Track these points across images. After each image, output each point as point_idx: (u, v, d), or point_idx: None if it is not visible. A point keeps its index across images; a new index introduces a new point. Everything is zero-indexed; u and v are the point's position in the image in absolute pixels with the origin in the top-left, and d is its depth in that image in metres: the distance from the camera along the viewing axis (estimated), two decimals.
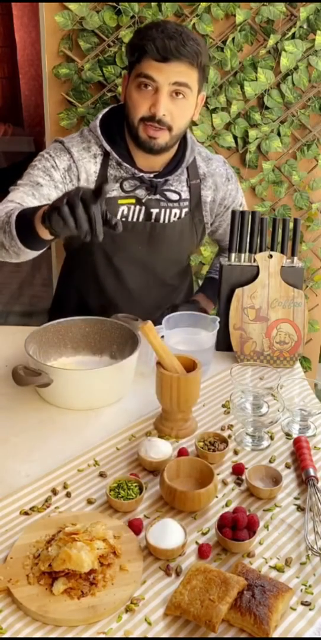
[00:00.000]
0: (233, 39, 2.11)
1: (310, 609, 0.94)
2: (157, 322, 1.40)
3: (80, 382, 1.38)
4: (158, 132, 1.51)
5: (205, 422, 1.38)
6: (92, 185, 1.58)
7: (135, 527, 1.06)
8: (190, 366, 1.30)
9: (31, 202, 1.50)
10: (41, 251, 1.41)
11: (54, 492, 1.15)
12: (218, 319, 1.54)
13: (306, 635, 0.91)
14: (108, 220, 1.12)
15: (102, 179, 1.59)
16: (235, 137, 2.25)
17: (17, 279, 4.23)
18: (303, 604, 0.95)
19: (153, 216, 1.65)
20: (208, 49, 1.63)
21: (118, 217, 1.62)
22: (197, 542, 1.06)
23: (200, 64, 1.50)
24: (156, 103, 1.47)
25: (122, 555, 1.00)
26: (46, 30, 2.06)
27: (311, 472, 1.18)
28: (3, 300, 3.95)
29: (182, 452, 1.24)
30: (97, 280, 1.73)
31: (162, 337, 1.40)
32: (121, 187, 1.60)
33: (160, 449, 1.21)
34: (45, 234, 1.25)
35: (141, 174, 1.60)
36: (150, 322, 1.26)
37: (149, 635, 0.90)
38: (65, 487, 1.17)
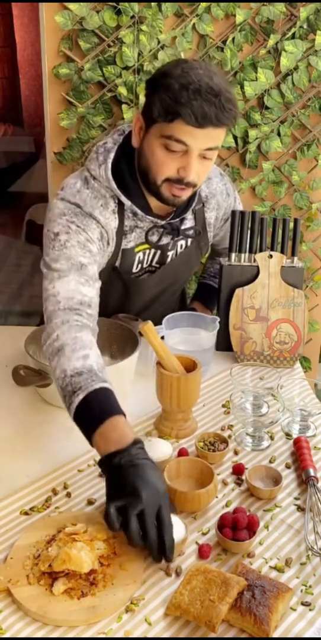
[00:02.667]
0: (233, 39, 2.11)
1: (310, 609, 0.94)
2: (156, 322, 1.40)
3: None
4: (183, 191, 1.40)
5: (205, 422, 1.38)
6: (113, 244, 1.47)
7: None
8: (190, 366, 1.30)
9: (89, 292, 1.35)
10: None
11: (54, 492, 1.16)
12: (218, 319, 1.54)
13: (306, 635, 0.91)
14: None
15: (120, 232, 1.47)
16: (235, 137, 2.25)
17: (17, 279, 4.23)
18: (303, 604, 0.95)
19: (169, 259, 1.58)
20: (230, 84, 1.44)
21: (135, 265, 1.53)
22: (197, 543, 1.06)
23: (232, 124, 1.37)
24: (187, 167, 1.33)
25: (122, 555, 1.00)
26: (46, 30, 2.06)
27: (311, 472, 1.18)
28: (3, 300, 3.95)
29: (182, 452, 1.24)
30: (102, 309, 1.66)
31: (162, 337, 1.40)
32: (146, 238, 1.50)
33: (160, 449, 1.21)
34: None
35: (162, 222, 1.49)
36: (150, 322, 1.26)
37: (149, 636, 0.90)
38: (65, 487, 1.17)
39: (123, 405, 1.44)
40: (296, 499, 1.16)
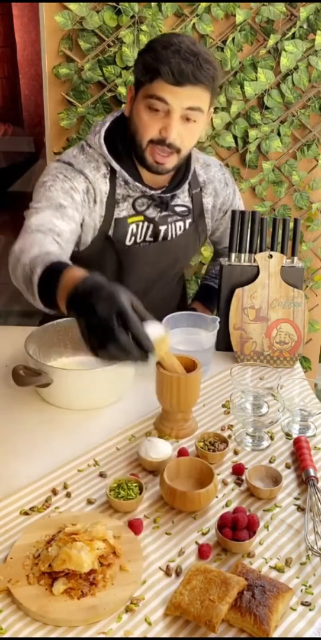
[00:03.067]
0: (233, 39, 2.11)
1: (310, 609, 0.94)
2: (156, 313, 1.40)
3: (80, 382, 1.38)
4: (166, 157, 1.46)
5: (205, 422, 1.38)
6: (104, 206, 1.52)
7: (135, 527, 1.06)
8: (190, 366, 1.30)
9: (61, 225, 1.41)
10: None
11: (54, 492, 1.15)
12: (218, 319, 1.54)
13: (306, 635, 0.91)
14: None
15: (113, 198, 1.52)
16: (235, 137, 2.25)
17: None
18: (303, 604, 0.95)
19: (162, 234, 1.61)
20: (221, 69, 1.50)
21: (128, 236, 1.57)
22: (197, 542, 1.06)
23: (214, 87, 1.44)
24: (168, 127, 1.40)
25: (122, 555, 1.00)
26: (46, 30, 2.06)
27: (311, 472, 1.18)
28: (3, 300, 3.95)
29: (182, 452, 1.24)
30: None
31: None
32: (133, 206, 1.55)
33: (160, 449, 1.21)
34: (65, 310, 1.09)
35: (151, 192, 1.54)
36: None
37: (149, 635, 0.90)
38: (65, 487, 1.17)
39: (123, 404, 1.45)
40: (296, 499, 1.16)
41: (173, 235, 1.64)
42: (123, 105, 2.07)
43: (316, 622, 0.92)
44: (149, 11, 2.03)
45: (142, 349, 0.97)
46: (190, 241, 1.70)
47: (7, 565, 0.98)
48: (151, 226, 1.59)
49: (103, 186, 1.51)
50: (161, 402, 1.31)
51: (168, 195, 1.58)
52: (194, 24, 2.07)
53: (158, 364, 1.28)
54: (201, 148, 2.17)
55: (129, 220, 1.56)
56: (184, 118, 1.41)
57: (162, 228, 1.61)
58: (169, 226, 1.63)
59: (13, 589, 0.95)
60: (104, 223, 1.54)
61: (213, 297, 1.81)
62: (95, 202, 1.51)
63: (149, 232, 1.60)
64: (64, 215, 1.42)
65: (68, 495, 1.15)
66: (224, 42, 2.12)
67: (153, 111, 1.40)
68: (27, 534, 1.05)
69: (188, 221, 1.66)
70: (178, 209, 1.61)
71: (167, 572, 0.99)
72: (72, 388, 1.38)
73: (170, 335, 1.24)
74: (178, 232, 1.65)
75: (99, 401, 1.41)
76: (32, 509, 1.11)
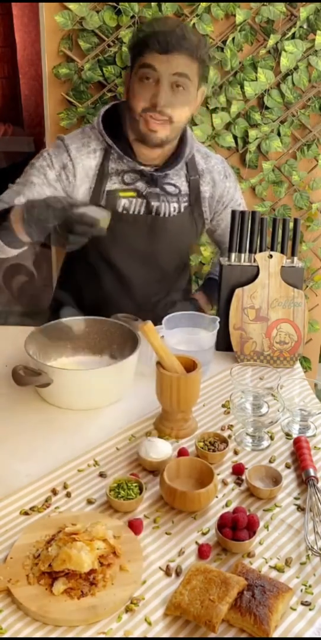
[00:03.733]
0: (233, 39, 2.11)
1: (310, 609, 0.94)
2: (156, 320, 1.40)
3: (80, 382, 1.38)
4: (160, 125, 1.55)
5: (205, 422, 1.38)
6: (92, 181, 1.64)
7: (135, 527, 1.06)
8: (190, 366, 1.30)
9: (19, 202, 1.57)
10: (21, 250, 1.51)
11: (54, 492, 1.15)
12: (218, 319, 1.54)
13: (306, 635, 0.91)
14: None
15: (103, 171, 1.63)
16: (235, 137, 2.25)
17: None
18: (303, 604, 0.95)
19: (154, 209, 1.67)
20: (208, 46, 1.70)
21: (120, 209, 1.65)
22: (197, 542, 1.06)
23: (200, 57, 1.55)
24: (157, 93, 1.51)
25: (122, 555, 1.00)
26: (46, 30, 2.06)
27: (311, 472, 1.18)
28: (3, 300, 3.95)
29: (182, 452, 1.24)
30: (97, 276, 1.73)
31: (162, 337, 1.40)
32: (122, 179, 1.64)
33: (160, 449, 1.21)
34: (22, 236, 1.39)
35: (141, 167, 1.64)
36: (150, 322, 1.26)
37: (149, 635, 0.90)
38: (65, 487, 1.17)
39: (123, 404, 1.44)
40: (296, 499, 1.16)
41: (167, 214, 1.69)
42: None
43: (316, 622, 0.92)
44: (149, 11, 2.03)
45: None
46: (186, 224, 1.74)
47: (7, 565, 0.98)
48: (144, 202, 1.66)
49: (91, 161, 1.64)
50: (161, 402, 1.31)
51: (160, 174, 1.65)
52: (194, 24, 2.07)
53: (158, 364, 1.28)
54: None
55: (121, 194, 1.64)
56: (173, 85, 1.52)
57: (155, 204, 1.67)
58: (162, 204, 1.68)
59: (13, 589, 0.95)
60: (94, 194, 1.63)
61: (216, 288, 1.82)
62: (74, 176, 1.63)
63: (142, 209, 1.67)
64: (30, 191, 1.61)
65: (68, 495, 1.15)
66: (224, 42, 2.12)
67: (144, 81, 1.52)
68: (27, 534, 1.05)
69: (183, 204, 1.71)
70: (168, 187, 1.67)
71: (167, 572, 0.99)
72: (72, 388, 1.38)
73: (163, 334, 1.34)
74: (173, 212, 1.70)
75: (99, 401, 1.41)
76: (32, 509, 1.11)
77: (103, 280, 1.73)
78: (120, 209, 1.65)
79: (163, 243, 1.72)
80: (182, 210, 1.71)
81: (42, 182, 1.63)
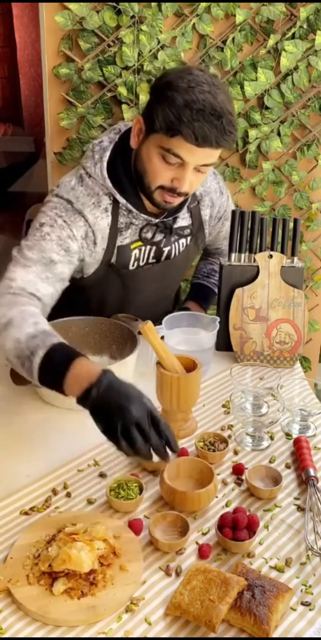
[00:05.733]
0: (233, 39, 2.11)
1: (310, 609, 0.94)
2: (156, 322, 1.40)
3: None
4: (176, 199, 1.45)
5: (205, 422, 1.38)
6: (106, 240, 1.50)
7: (135, 527, 1.06)
8: (190, 366, 1.30)
9: (45, 289, 1.39)
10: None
11: (54, 492, 1.15)
12: (218, 319, 1.54)
13: (306, 635, 0.91)
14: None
15: (114, 229, 1.50)
16: None
17: None
18: (303, 604, 0.95)
19: (165, 254, 1.61)
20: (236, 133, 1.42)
21: (132, 261, 1.56)
22: (197, 542, 1.06)
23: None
24: (181, 179, 1.38)
25: (122, 555, 1.00)
26: (46, 30, 2.06)
27: (311, 472, 1.18)
28: None
29: (182, 452, 1.24)
30: (103, 305, 1.66)
31: (162, 337, 1.40)
32: (140, 236, 1.53)
33: None
34: (74, 397, 1.14)
35: (156, 221, 1.53)
36: (150, 322, 1.26)
37: (149, 635, 0.90)
38: (65, 487, 1.17)
39: None
40: (296, 499, 1.16)
41: (176, 254, 1.64)
42: (125, 115, 2.08)
43: (316, 622, 0.93)
44: (149, 11, 2.03)
45: (169, 449, 1.07)
46: (191, 255, 1.72)
47: (7, 565, 0.98)
48: (153, 248, 1.58)
49: (104, 221, 1.48)
50: (161, 402, 1.31)
51: (170, 219, 1.57)
52: (194, 24, 2.07)
53: (158, 364, 1.28)
54: None
55: (132, 247, 1.55)
56: (197, 170, 1.39)
57: (166, 249, 1.61)
58: (172, 246, 1.62)
59: (13, 589, 0.95)
60: (106, 253, 1.52)
61: (207, 295, 1.81)
62: (95, 243, 1.48)
63: (152, 254, 1.59)
64: (51, 274, 1.40)
65: (68, 495, 1.15)
66: (224, 42, 2.12)
67: (166, 162, 1.36)
68: (27, 534, 1.05)
69: (188, 238, 1.65)
70: (181, 230, 1.61)
71: (167, 572, 0.99)
72: None
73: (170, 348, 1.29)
74: (181, 249, 1.65)
75: None
76: (32, 509, 1.11)
77: (108, 305, 1.66)
78: (131, 266, 1.56)
79: (173, 278, 1.71)
80: (188, 243, 1.66)
81: (62, 259, 1.42)
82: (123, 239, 1.53)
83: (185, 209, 1.62)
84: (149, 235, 1.55)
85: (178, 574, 0.99)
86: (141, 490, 1.13)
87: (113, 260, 1.53)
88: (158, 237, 1.57)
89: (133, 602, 0.94)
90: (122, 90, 2.08)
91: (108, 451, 1.26)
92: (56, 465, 1.22)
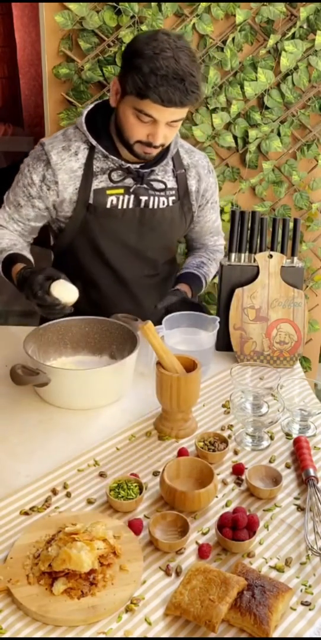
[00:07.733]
0: (233, 39, 2.11)
1: (310, 609, 0.94)
2: (153, 319, 1.40)
3: (80, 382, 1.38)
4: (154, 150, 1.57)
5: (205, 422, 1.38)
6: (78, 180, 1.63)
7: (135, 527, 1.06)
8: (190, 366, 1.30)
9: (12, 226, 1.69)
10: None
11: (54, 492, 1.15)
12: (218, 319, 1.54)
13: (306, 635, 0.91)
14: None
15: (89, 171, 1.63)
16: (235, 137, 2.25)
17: None
18: (303, 604, 0.95)
19: (143, 202, 1.68)
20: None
21: (108, 206, 1.65)
22: (197, 542, 1.06)
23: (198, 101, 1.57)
24: (155, 134, 1.52)
25: (122, 555, 1.00)
26: (46, 30, 2.06)
27: (311, 472, 1.18)
28: (3, 300, 3.95)
29: (182, 452, 1.24)
30: (89, 275, 1.72)
31: (162, 337, 1.40)
32: (109, 177, 1.64)
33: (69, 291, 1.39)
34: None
35: (128, 165, 1.63)
36: (150, 322, 1.26)
37: (149, 635, 0.90)
38: (65, 487, 1.17)
39: (123, 404, 1.45)
40: (296, 498, 1.16)
41: (155, 207, 1.69)
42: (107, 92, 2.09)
43: (316, 622, 0.92)
44: (149, 11, 2.03)
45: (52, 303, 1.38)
46: (176, 218, 1.74)
47: (7, 565, 0.98)
48: (132, 197, 1.66)
49: (73, 163, 1.63)
50: (161, 402, 1.32)
51: (147, 170, 1.65)
52: (194, 24, 2.07)
53: (158, 364, 1.28)
54: (201, 148, 2.17)
55: (108, 192, 1.64)
56: (168, 125, 1.53)
57: (143, 198, 1.67)
58: (150, 198, 1.68)
59: (13, 588, 0.95)
60: (82, 193, 1.63)
61: (195, 280, 1.81)
62: (55, 182, 1.63)
63: (131, 203, 1.67)
64: (19, 215, 1.69)
65: (68, 495, 1.15)
66: (224, 42, 2.12)
67: (140, 119, 1.51)
68: (27, 534, 1.05)
69: (171, 198, 1.71)
70: (155, 184, 1.68)
71: (167, 572, 0.99)
72: (70, 388, 1.38)
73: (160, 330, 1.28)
74: (161, 205, 1.70)
75: (99, 401, 1.41)
76: (32, 509, 1.11)
77: (96, 278, 1.72)
78: (108, 206, 1.66)
79: (154, 236, 1.73)
80: (171, 204, 1.72)
81: (26, 203, 1.66)
82: (99, 183, 1.64)
83: (170, 173, 1.70)
84: (116, 177, 1.64)
85: (178, 574, 0.99)
86: (141, 490, 1.13)
87: (90, 201, 1.64)
88: (129, 182, 1.65)
89: (133, 602, 0.94)
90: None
91: (109, 451, 1.26)
92: (56, 465, 1.22)
